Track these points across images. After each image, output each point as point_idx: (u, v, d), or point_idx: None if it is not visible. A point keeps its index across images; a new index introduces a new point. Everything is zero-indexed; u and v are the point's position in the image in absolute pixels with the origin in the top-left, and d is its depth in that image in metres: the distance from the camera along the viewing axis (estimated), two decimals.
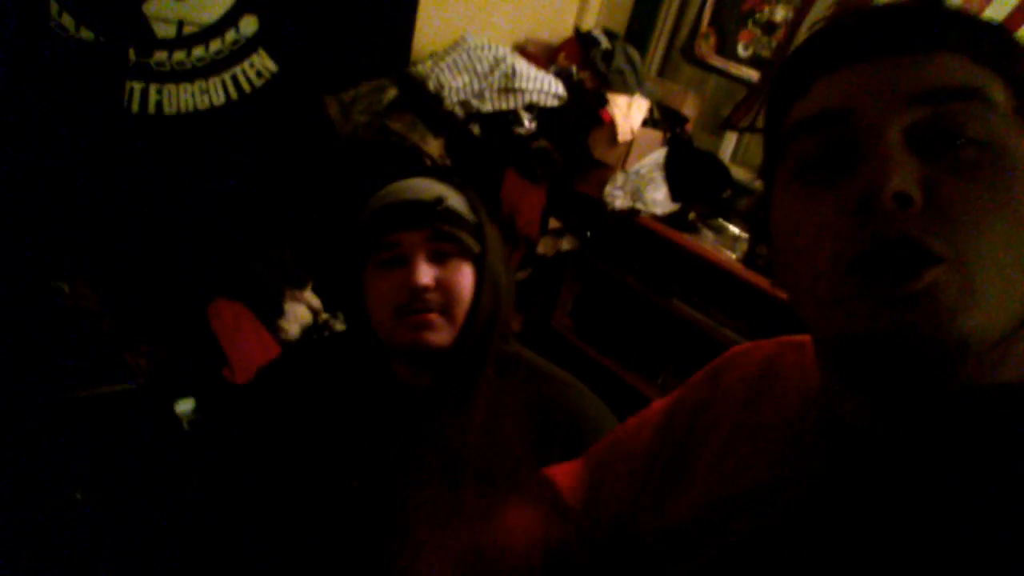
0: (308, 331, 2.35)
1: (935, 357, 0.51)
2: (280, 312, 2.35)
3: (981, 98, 0.52)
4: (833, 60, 0.57)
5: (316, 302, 2.40)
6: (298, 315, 2.36)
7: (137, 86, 2.13)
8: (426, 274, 1.06)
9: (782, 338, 0.79)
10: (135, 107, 2.14)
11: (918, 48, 0.54)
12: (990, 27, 0.56)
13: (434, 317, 1.07)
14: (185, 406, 2.02)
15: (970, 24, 0.55)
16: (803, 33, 2.35)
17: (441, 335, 1.08)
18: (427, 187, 1.12)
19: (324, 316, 2.40)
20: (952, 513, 0.52)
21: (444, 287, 1.08)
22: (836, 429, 0.62)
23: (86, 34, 1.98)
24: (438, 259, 1.09)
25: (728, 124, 2.74)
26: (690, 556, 0.69)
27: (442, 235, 1.09)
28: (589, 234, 2.89)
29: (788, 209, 0.59)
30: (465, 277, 1.10)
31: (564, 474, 0.92)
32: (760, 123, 2.40)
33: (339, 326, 2.38)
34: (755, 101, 2.49)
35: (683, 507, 0.73)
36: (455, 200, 1.12)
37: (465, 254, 1.10)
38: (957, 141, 0.51)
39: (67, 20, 1.94)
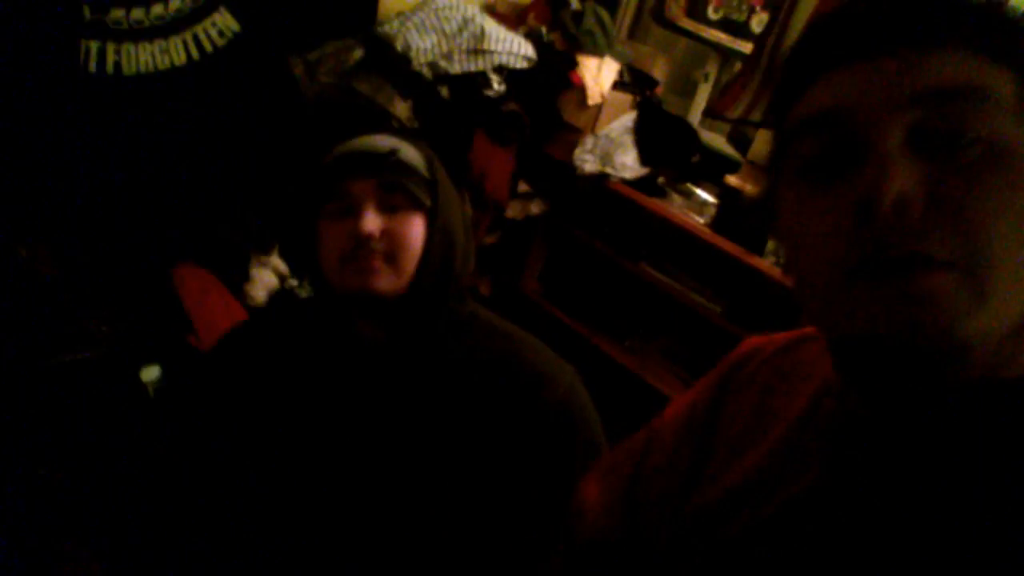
0: (275, 296, 2.33)
1: (938, 357, 0.51)
2: (246, 277, 2.32)
3: (985, 96, 0.51)
4: (834, 57, 0.56)
5: (283, 267, 2.36)
6: (265, 280, 2.33)
7: (94, 45, 2.06)
8: (372, 222, 1.07)
9: (795, 331, 0.79)
10: (92, 67, 2.07)
11: (921, 43, 0.53)
12: (997, 16, 0.54)
13: (378, 263, 1.08)
14: (151, 373, 1.99)
15: (975, 15, 0.54)
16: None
17: (386, 280, 1.09)
18: (382, 140, 1.13)
19: (292, 282, 2.38)
20: (952, 507, 0.53)
21: (391, 236, 1.08)
22: (845, 421, 0.63)
23: None
24: (388, 210, 1.10)
25: (713, 113, 2.72)
26: (701, 546, 0.70)
27: (392, 185, 1.09)
28: (558, 198, 2.88)
29: (791, 208, 0.59)
30: (414, 228, 1.10)
31: (594, 496, 0.91)
32: (755, 115, 2.41)
33: (305, 292, 2.35)
34: (739, 89, 2.46)
35: (700, 501, 0.74)
36: (409, 153, 1.13)
37: (416, 206, 1.11)
38: (960, 141, 0.51)
39: None
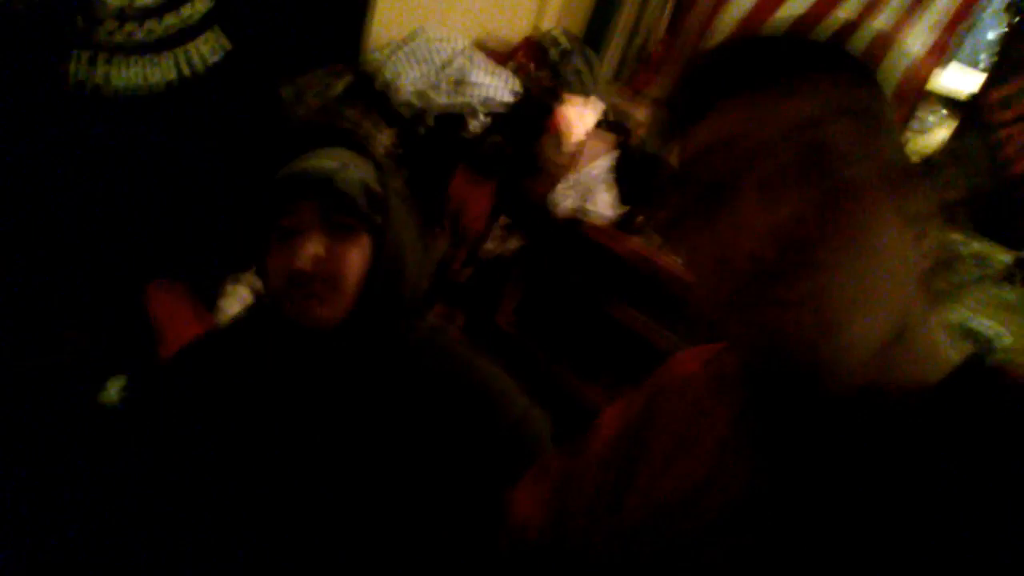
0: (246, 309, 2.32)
1: (807, 375, 0.56)
2: (221, 294, 2.32)
3: (827, 133, 0.56)
4: (701, 103, 0.61)
5: (259, 284, 2.36)
6: (240, 297, 2.33)
7: (84, 56, 2.08)
8: (314, 246, 1.06)
9: (720, 344, 0.81)
10: (81, 77, 2.09)
11: (766, 88, 0.58)
12: (840, 59, 0.60)
13: (320, 290, 1.07)
14: (116, 384, 1.98)
15: (819, 60, 0.59)
16: None
17: (324, 310, 1.08)
18: (327, 157, 1.12)
19: (266, 299, 2.37)
20: (849, 520, 0.56)
21: (329, 263, 1.07)
22: (760, 435, 0.65)
23: (27, 6, 1.92)
24: (332, 232, 1.08)
25: None
26: (632, 557, 0.71)
27: (335, 208, 1.08)
28: (536, 234, 2.90)
29: (687, 236, 0.64)
30: (355, 254, 1.09)
31: (525, 502, 0.93)
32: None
33: None
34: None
35: (627, 517, 0.75)
36: (357, 169, 1.11)
37: (360, 229, 1.09)
38: (806, 181, 0.55)
39: None
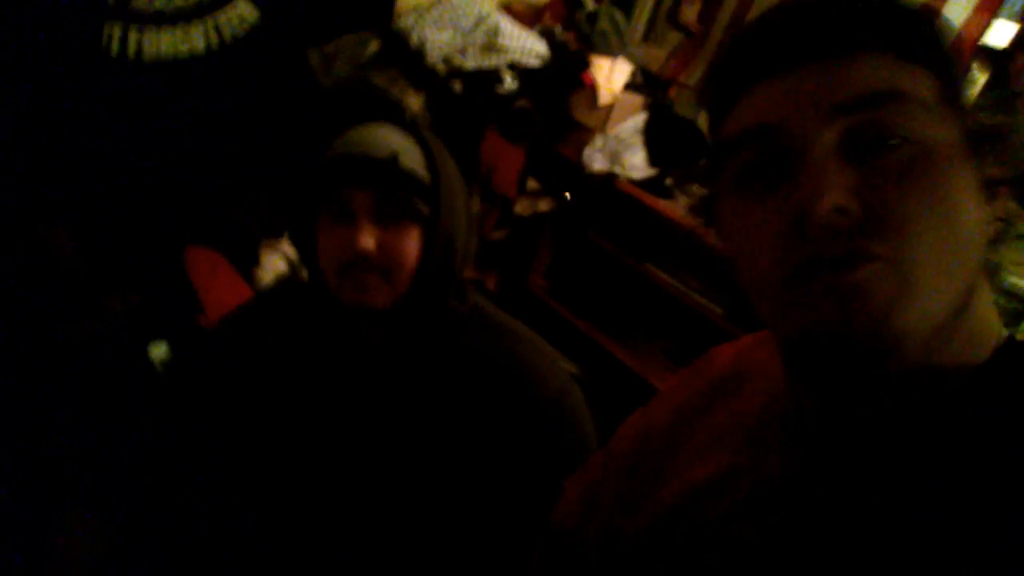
0: (281, 280, 2.37)
1: (873, 348, 0.53)
2: (256, 261, 2.36)
3: (906, 98, 0.53)
4: (756, 71, 0.58)
5: (293, 252, 2.40)
6: (274, 265, 2.37)
7: (117, 27, 2.11)
8: (368, 239, 1.04)
9: (753, 334, 0.81)
10: (115, 48, 2.12)
11: (840, 52, 0.55)
12: (911, 17, 0.57)
13: (373, 280, 1.06)
14: (159, 350, 2.04)
15: (891, 17, 0.56)
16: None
17: (380, 296, 1.08)
18: (382, 140, 1.08)
19: (301, 268, 2.41)
20: (895, 503, 0.55)
21: (387, 250, 1.06)
22: (799, 415, 0.65)
23: None
24: (386, 219, 1.07)
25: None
26: (662, 548, 0.72)
27: (390, 197, 1.06)
28: (567, 196, 2.91)
29: (731, 218, 0.61)
30: (411, 241, 1.08)
31: (567, 497, 0.94)
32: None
33: None
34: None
35: (661, 502, 0.75)
36: (410, 156, 1.08)
37: (414, 216, 1.08)
38: (886, 145, 0.53)
39: None
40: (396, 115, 1.16)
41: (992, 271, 0.58)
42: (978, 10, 2.12)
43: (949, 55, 0.57)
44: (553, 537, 0.91)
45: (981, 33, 2.12)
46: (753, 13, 2.51)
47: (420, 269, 1.09)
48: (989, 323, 0.58)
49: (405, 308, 1.10)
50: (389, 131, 1.11)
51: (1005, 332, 0.60)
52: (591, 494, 0.89)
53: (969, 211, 0.54)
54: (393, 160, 1.06)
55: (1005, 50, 2.09)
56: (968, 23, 2.13)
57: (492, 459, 1.11)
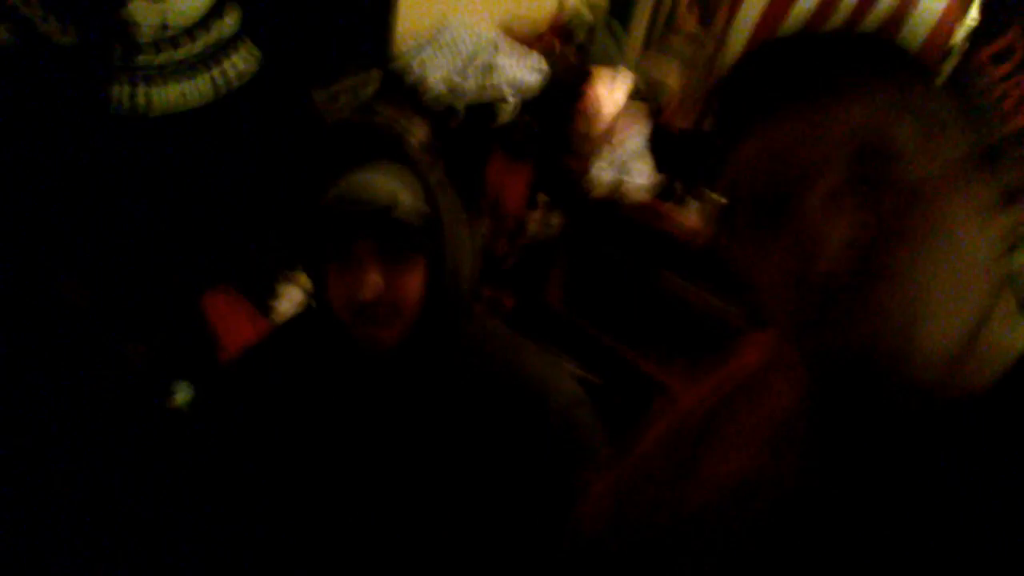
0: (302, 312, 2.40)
1: (896, 366, 0.54)
2: (274, 294, 2.41)
3: (905, 133, 0.54)
4: (754, 112, 0.59)
5: (309, 283, 2.44)
6: (292, 297, 2.42)
7: (125, 84, 2.18)
8: (374, 284, 1.08)
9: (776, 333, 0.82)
10: (125, 105, 2.19)
11: (837, 91, 0.56)
12: (894, 57, 0.57)
13: (383, 321, 1.11)
14: (182, 392, 2.08)
15: (885, 54, 0.57)
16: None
17: (391, 335, 1.12)
18: (380, 184, 1.11)
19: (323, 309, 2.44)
20: (912, 514, 0.56)
21: (394, 291, 1.10)
22: (818, 427, 0.66)
23: (70, 39, 2.03)
24: (390, 261, 1.10)
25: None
26: (688, 550, 0.73)
27: (393, 240, 1.10)
28: (578, 209, 2.92)
29: (744, 249, 0.62)
30: (417, 279, 1.11)
31: (593, 492, 0.95)
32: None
33: None
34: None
35: (687, 505, 0.76)
36: (410, 195, 1.11)
37: (417, 254, 1.11)
38: (888, 179, 0.54)
39: (51, 26, 1.99)
40: (395, 151, 1.18)
41: (1011, 280, 0.59)
42: (948, 11, 2.10)
43: (936, 88, 0.58)
44: (581, 537, 0.92)
45: (959, 19, 2.09)
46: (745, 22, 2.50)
47: (428, 303, 1.12)
48: (1010, 336, 0.59)
49: (417, 340, 1.14)
50: (387, 172, 1.13)
51: None
52: (622, 494, 0.89)
53: (969, 237, 0.54)
54: (394, 197, 1.09)
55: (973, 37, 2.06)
56: (939, 25, 2.10)
57: (507, 474, 1.14)
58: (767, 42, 0.62)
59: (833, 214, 0.54)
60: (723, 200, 0.65)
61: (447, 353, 1.18)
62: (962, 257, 0.54)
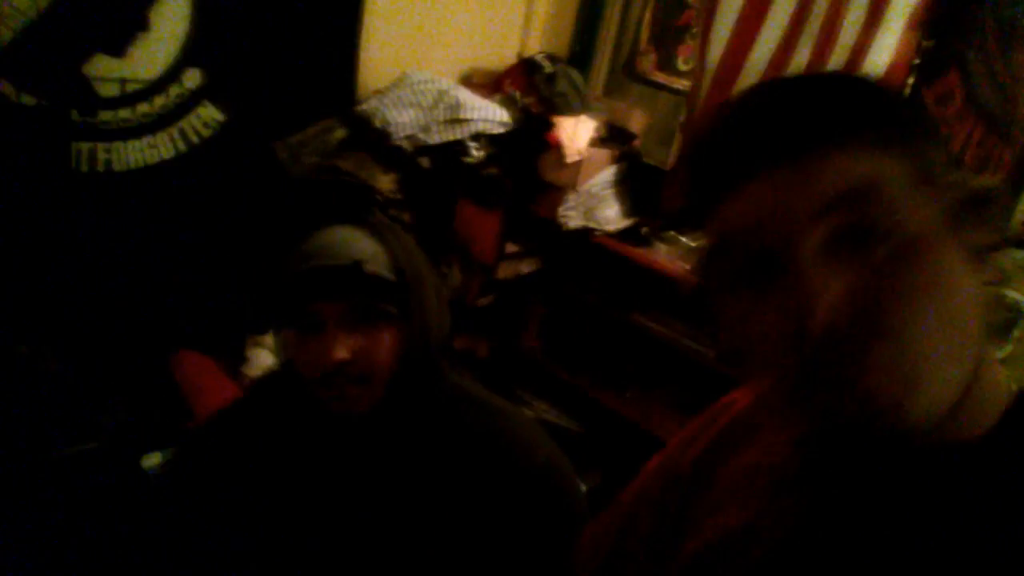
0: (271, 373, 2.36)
1: (887, 436, 0.54)
2: (243, 359, 2.37)
3: (884, 190, 0.53)
4: (732, 176, 0.58)
5: (279, 346, 2.40)
6: (261, 361, 2.38)
7: (84, 146, 2.15)
8: (342, 350, 1.04)
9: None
10: (84, 167, 2.15)
11: (813, 150, 0.54)
12: (881, 105, 0.57)
13: (352, 389, 1.07)
14: (151, 460, 2.03)
15: (860, 110, 0.56)
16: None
17: (361, 402, 1.08)
18: (344, 248, 1.07)
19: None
20: (905, 565, 0.56)
21: (362, 357, 1.06)
22: (811, 478, 0.65)
23: (28, 100, 2.00)
24: (357, 325, 1.06)
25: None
26: None
27: (359, 303, 1.06)
28: (548, 255, 2.93)
29: (727, 313, 0.61)
30: (385, 343, 1.07)
31: (585, 540, 0.94)
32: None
33: None
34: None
35: (684, 556, 0.75)
36: (375, 258, 1.08)
37: (386, 318, 1.08)
38: (871, 239, 0.53)
39: (7, 88, 1.96)
40: (357, 214, 1.14)
41: (994, 331, 0.58)
42: (907, 31, 2.17)
43: (923, 131, 0.57)
44: None
45: (912, 57, 2.16)
46: (711, 60, 2.57)
47: (399, 366, 1.09)
48: (997, 385, 0.59)
49: (388, 405, 1.11)
50: (350, 234, 1.10)
51: (1015, 387, 0.60)
52: (616, 540, 0.88)
53: (963, 287, 0.54)
54: (357, 268, 1.05)
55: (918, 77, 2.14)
56: (899, 48, 2.18)
57: (487, 534, 1.11)
58: (742, 95, 0.62)
59: (826, 268, 0.53)
60: (701, 249, 0.64)
61: (419, 417, 1.15)
62: (957, 305, 0.53)
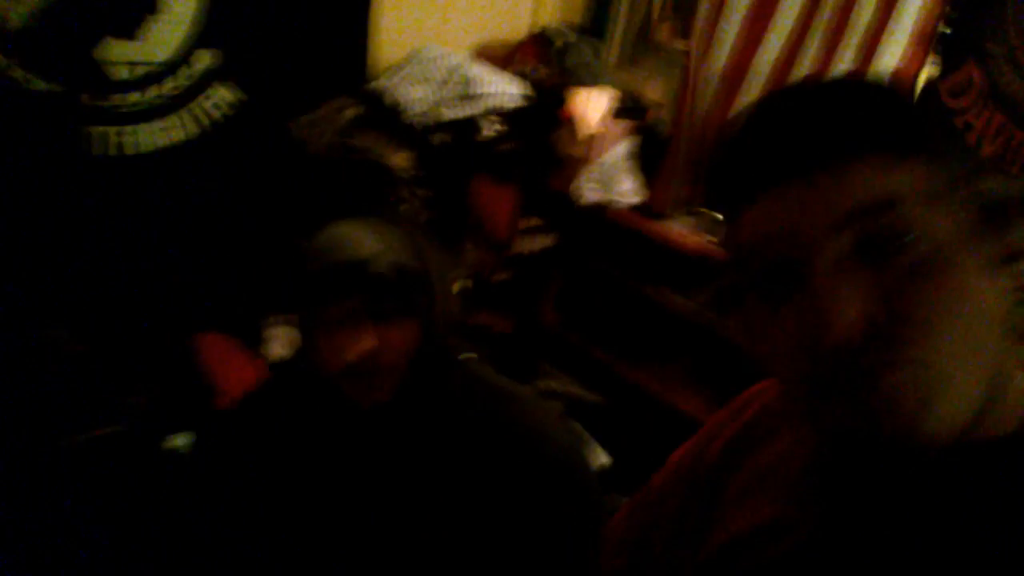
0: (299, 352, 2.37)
1: (906, 447, 0.53)
2: (265, 337, 2.38)
3: (907, 198, 0.53)
4: (756, 184, 0.58)
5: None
6: (286, 337, 2.39)
7: (97, 130, 2.15)
8: (365, 344, 1.05)
9: None
10: (97, 151, 2.16)
11: (836, 160, 0.54)
12: (903, 114, 0.56)
13: (376, 380, 1.08)
14: (176, 442, 2.05)
15: (882, 120, 0.55)
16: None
17: (384, 392, 1.10)
18: (358, 244, 1.08)
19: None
20: (929, 560, 0.55)
21: (385, 349, 1.07)
22: (834, 479, 0.65)
23: (37, 84, 2.00)
24: (379, 318, 1.07)
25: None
26: None
27: (374, 299, 1.06)
28: (566, 229, 2.91)
29: (753, 318, 0.61)
30: (403, 336, 1.08)
31: (615, 526, 0.95)
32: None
33: None
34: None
35: (705, 551, 0.75)
36: (385, 252, 1.08)
37: (407, 310, 1.08)
38: (893, 248, 0.53)
39: (17, 72, 1.96)
40: (368, 206, 1.16)
41: (1020, 336, 0.57)
42: (913, 44, 2.14)
43: (943, 139, 0.57)
44: (597, 570, 0.92)
45: (919, 67, 2.14)
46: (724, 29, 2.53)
47: (419, 355, 1.10)
48: (1020, 391, 0.57)
49: (403, 396, 1.12)
50: (361, 229, 1.10)
51: None
52: (642, 532, 0.89)
53: (984, 298, 0.53)
54: (369, 262, 1.06)
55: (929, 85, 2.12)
56: (905, 58, 2.14)
57: (499, 525, 1.12)
58: (759, 104, 0.61)
59: (844, 280, 0.53)
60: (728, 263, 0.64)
61: (437, 408, 1.16)
62: (977, 317, 0.53)
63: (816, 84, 0.61)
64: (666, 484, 0.88)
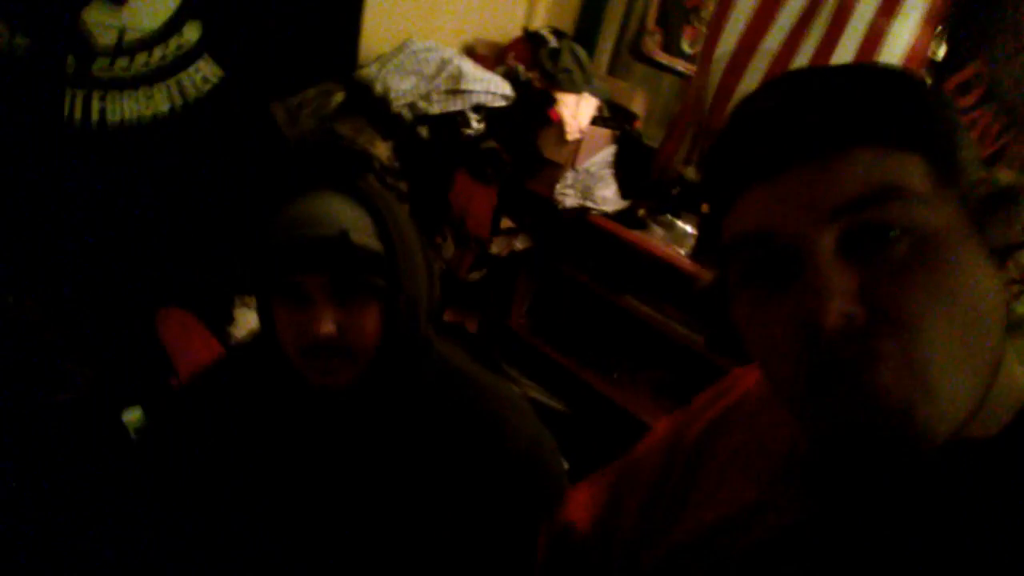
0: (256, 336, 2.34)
1: (899, 442, 0.53)
2: (230, 319, 2.35)
3: (902, 191, 0.52)
4: (748, 174, 0.57)
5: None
6: (248, 321, 2.35)
7: (79, 94, 2.11)
8: (327, 324, 1.00)
9: None
10: (77, 115, 2.12)
11: (831, 150, 0.53)
12: (900, 104, 0.55)
13: (336, 362, 1.03)
14: (132, 415, 2.01)
15: (879, 109, 0.55)
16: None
17: (345, 376, 1.05)
18: (331, 216, 1.02)
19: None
20: (911, 560, 0.55)
21: (348, 331, 1.02)
22: (819, 467, 0.65)
23: (21, 41, 1.95)
24: (343, 298, 1.02)
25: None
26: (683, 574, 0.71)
27: (345, 276, 1.01)
28: (542, 233, 2.91)
29: (742, 312, 0.61)
30: (371, 317, 1.04)
31: (580, 500, 0.94)
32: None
33: None
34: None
35: (683, 531, 0.74)
36: (361, 228, 1.03)
37: (372, 292, 1.03)
38: (887, 239, 0.52)
39: (0, 27, 1.92)
40: (347, 180, 1.08)
41: (1015, 327, 0.57)
42: (924, 24, 2.17)
43: (944, 129, 0.56)
44: (563, 535, 0.92)
45: (927, 47, 2.16)
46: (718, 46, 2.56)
47: (384, 341, 1.06)
48: (1015, 381, 0.57)
49: (371, 379, 1.08)
50: (338, 202, 1.04)
51: None
52: (612, 501, 0.88)
53: (981, 288, 0.53)
54: (343, 238, 1.00)
55: (938, 68, 2.14)
56: (916, 38, 2.17)
57: (465, 513, 1.10)
58: (761, 89, 0.60)
59: (843, 266, 0.52)
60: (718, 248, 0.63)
61: (402, 393, 1.12)
62: (976, 306, 0.52)
63: (821, 69, 0.60)
64: (645, 455, 0.88)
